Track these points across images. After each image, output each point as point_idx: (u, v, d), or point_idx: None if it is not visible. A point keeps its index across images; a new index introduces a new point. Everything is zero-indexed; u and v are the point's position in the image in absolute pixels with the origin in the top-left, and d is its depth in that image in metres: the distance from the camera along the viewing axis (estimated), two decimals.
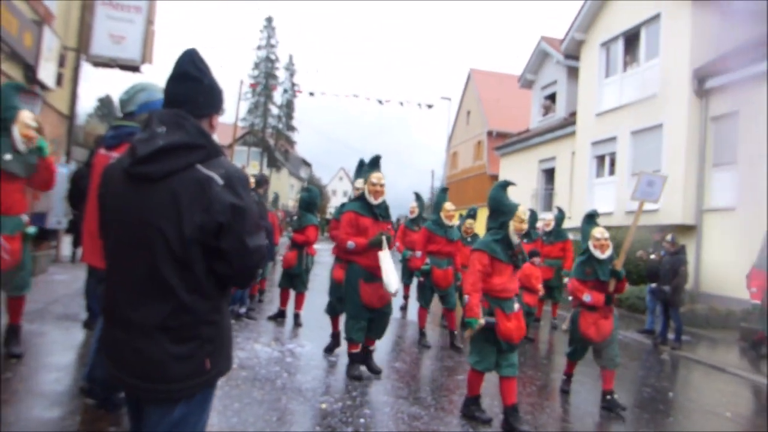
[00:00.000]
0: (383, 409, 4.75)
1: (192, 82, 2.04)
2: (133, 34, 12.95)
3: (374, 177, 5.56)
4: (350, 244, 5.37)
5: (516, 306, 4.58)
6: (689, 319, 10.48)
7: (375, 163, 5.95)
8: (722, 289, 11.80)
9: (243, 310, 7.83)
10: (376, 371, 5.67)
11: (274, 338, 6.90)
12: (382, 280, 5.26)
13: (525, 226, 4.57)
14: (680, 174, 12.98)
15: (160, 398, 1.91)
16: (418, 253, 7.59)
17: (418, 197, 9.73)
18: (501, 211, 4.63)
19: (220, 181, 1.90)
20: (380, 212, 5.54)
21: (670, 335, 9.25)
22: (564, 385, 5.85)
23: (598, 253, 5.36)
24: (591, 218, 5.67)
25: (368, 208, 5.52)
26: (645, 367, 7.77)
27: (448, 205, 7.48)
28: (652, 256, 10.05)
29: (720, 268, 11.90)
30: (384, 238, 5.33)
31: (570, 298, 5.75)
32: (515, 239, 4.55)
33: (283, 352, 6.25)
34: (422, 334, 7.55)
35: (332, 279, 6.37)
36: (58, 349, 5.38)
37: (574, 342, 5.57)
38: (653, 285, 9.79)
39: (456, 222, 7.70)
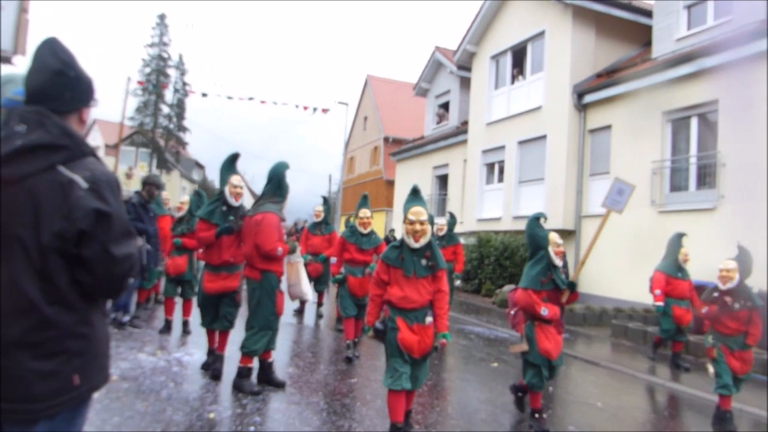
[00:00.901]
0: (274, 416, 4.69)
1: (55, 76, 1.87)
2: (3, 22, 11.91)
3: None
4: (280, 250, 5.16)
5: (428, 320, 4.17)
6: (568, 317, 11.17)
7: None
8: (597, 290, 12.73)
9: (126, 318, 7.40)
10: (279, 384, 5.44)
11: (160, 347, 6.61)
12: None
13: (419, 228, 4.13)
14: (561, 182, 13.85)
15: (20, 419, 1.75)
16: (333, 260, 7.46)
17: (325, 201, 9.66)
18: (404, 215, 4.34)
19: (84, 185, 1.77)
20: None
21: None
22: (538, 426, 4.88)
23: (557, 261, 4.91)
24: (537, 221, 5.07)
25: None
26: None
27: (363, 212, 7.24)
28: None
29: (596, 270, 12.80)
30: (297, 244, 5.31)
31: (512, 312, 5.35)
32: (411, 243, 4.15)
33: (169, 362, 6.00)
34: (349, 345, 7.01)
35: (203, 289, 5.70)
36: None
37: (535, 365, 4.90)
38: None
39: (369, 229, 7.30)
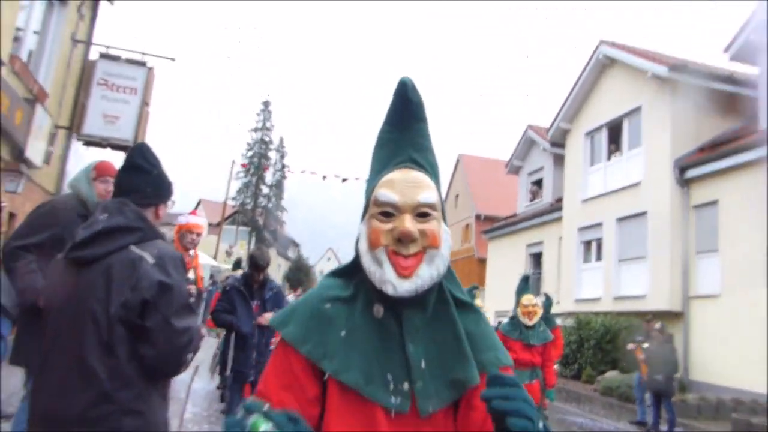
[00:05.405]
0: None
1: (142, 174, 2.14)
2: (127, 114, 12.90)
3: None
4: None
5: None
6: (681, 409, 10.21)
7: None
8: (712, 378, 11.60)
9: None
10: None
11: None
12: None
13: None
14: (666, 260, 13.06)
15: None
16: None
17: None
18: None
19: (151, 260, 1.93)
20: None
21: (663, 427, 8.99)
22: None
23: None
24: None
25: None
26: None
27: (527, 299, 5.82)
28: (645, 345, 9.85)
29: (709, 355, 11.75)
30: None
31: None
32: None
33: None
34: None
35: None
36: None
37: None
38: (641, 375, 9.63)
39: (535, 320, 5.81)
